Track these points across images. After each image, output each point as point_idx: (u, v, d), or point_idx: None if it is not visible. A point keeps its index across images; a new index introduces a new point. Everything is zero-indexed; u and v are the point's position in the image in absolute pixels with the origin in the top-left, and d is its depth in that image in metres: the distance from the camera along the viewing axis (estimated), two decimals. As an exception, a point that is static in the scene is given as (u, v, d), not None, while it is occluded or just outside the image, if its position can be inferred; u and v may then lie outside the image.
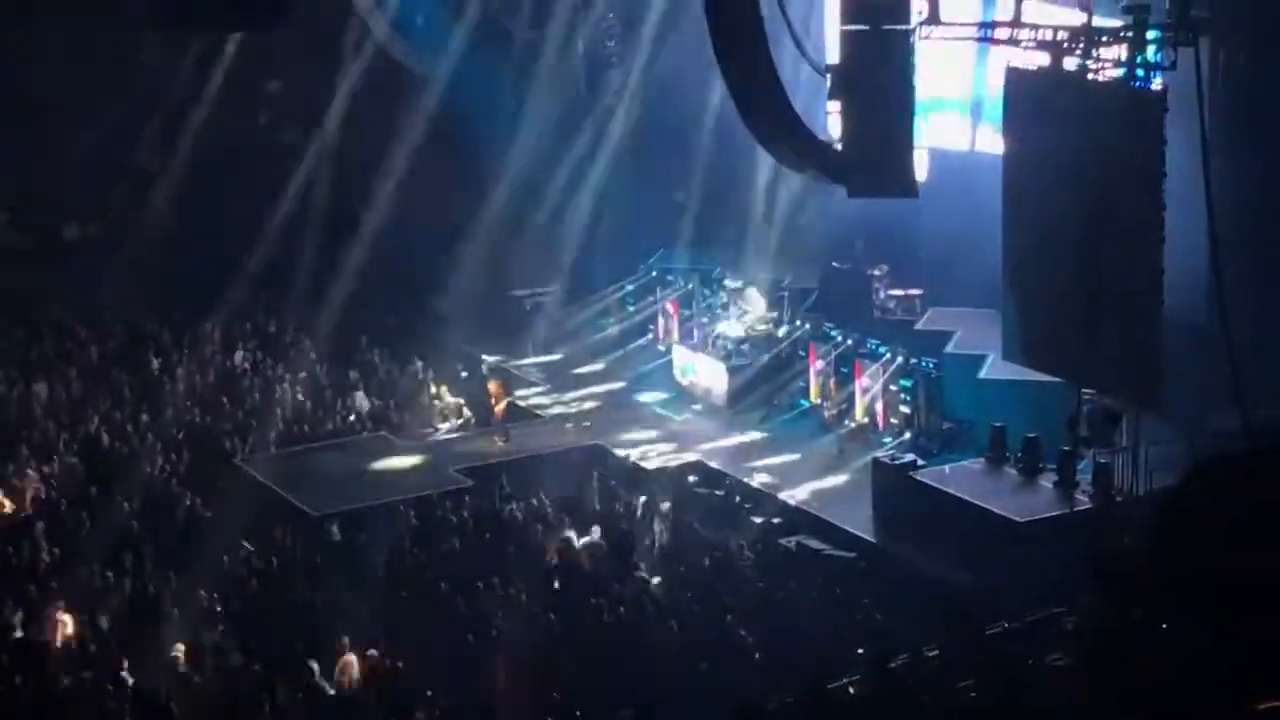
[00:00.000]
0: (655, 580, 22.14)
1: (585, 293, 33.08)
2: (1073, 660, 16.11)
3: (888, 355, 27.18)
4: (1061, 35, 21.83)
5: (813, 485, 25.66)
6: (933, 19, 22.42)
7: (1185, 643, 5.51)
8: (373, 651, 19.51)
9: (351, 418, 28.91)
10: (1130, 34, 21.21)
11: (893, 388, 27.08)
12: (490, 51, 33.34)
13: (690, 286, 31.64)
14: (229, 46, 32.49)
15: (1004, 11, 22.89)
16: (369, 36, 33.33)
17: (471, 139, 33.23)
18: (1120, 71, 21.48)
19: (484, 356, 31.39)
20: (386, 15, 33.30)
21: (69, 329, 31.43)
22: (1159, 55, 21.10)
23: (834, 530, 23.96)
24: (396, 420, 28.96)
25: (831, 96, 22.21)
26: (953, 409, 26.04)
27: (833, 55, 22.93)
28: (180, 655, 19.52)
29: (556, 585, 21.86)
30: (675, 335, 31.69)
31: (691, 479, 26.27)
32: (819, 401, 28.59)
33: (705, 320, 31.12)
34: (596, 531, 23.31)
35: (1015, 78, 22.74)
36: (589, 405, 30.17)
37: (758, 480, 26.04)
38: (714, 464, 26.76)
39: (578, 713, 18.54)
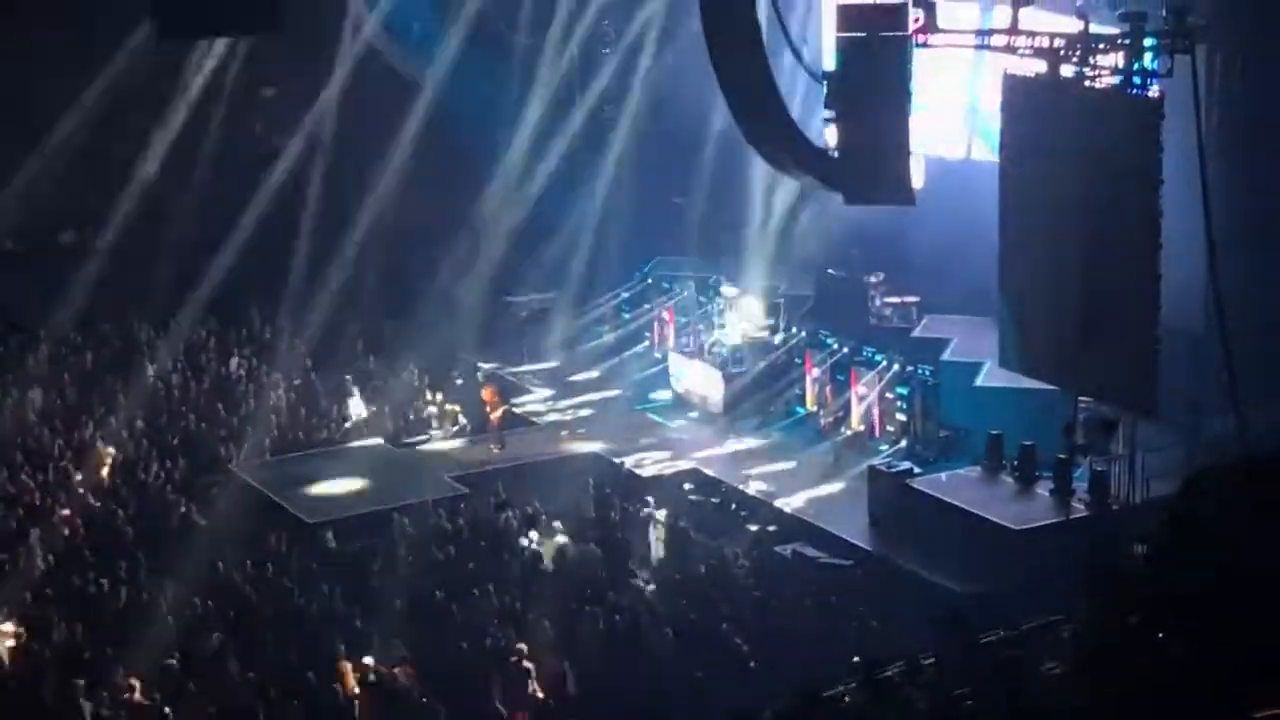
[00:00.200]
0: (650, 588, 22.09)
1: (581, 300, 33.05)
2: (1069, 667, 16.07)
3: (884, 363, 27.18)
4: (1058, 42, 21.82)
5: (809, 493, 25.63)
6: (929, 26, 22.41)
7: (1184, 650, 5.48)
8: (368, 660, 19.45)
9: (346, 424, 28.87)
10: (1127, 41, 21.22)
11: (889, 395, 27.08)
12: (486, 58, 33.34)
13: (686, 294, 31.65)
14: (223, 52, 32.49)
15: (1001, 19, 22.88)
16: (364, 43, 33.31)
17: (467, 145, 33.23)
18: (1117, 79, 21.48)
19: (479, 363, 31.37)
20: (381, 21, 33.28)
21: (64, 335, 31.36)
22: (1155, 63, 21.11)
23: (830, 538, 23.93)
24: (391, 427, 28.93)
25: (828, 104, 22.19)
26: (949, 416, 26.03)
27: (829, 62, 22.95)
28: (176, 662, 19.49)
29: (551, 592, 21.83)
30: (671, 342, 31.67)
31: (687, 486, 26.24)
32: (815, 409, 28.59)
33: (701, 327, 31.10)
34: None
35: (1012, 85, 22.73)
36: (585, 412, 30.15)
37: (754, 488, 26.02)
38: (710, 471, 26.74)
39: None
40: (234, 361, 30.80)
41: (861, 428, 27.49)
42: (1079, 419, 23.12)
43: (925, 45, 22.41)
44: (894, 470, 24.42)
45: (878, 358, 27.34)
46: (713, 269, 31.62)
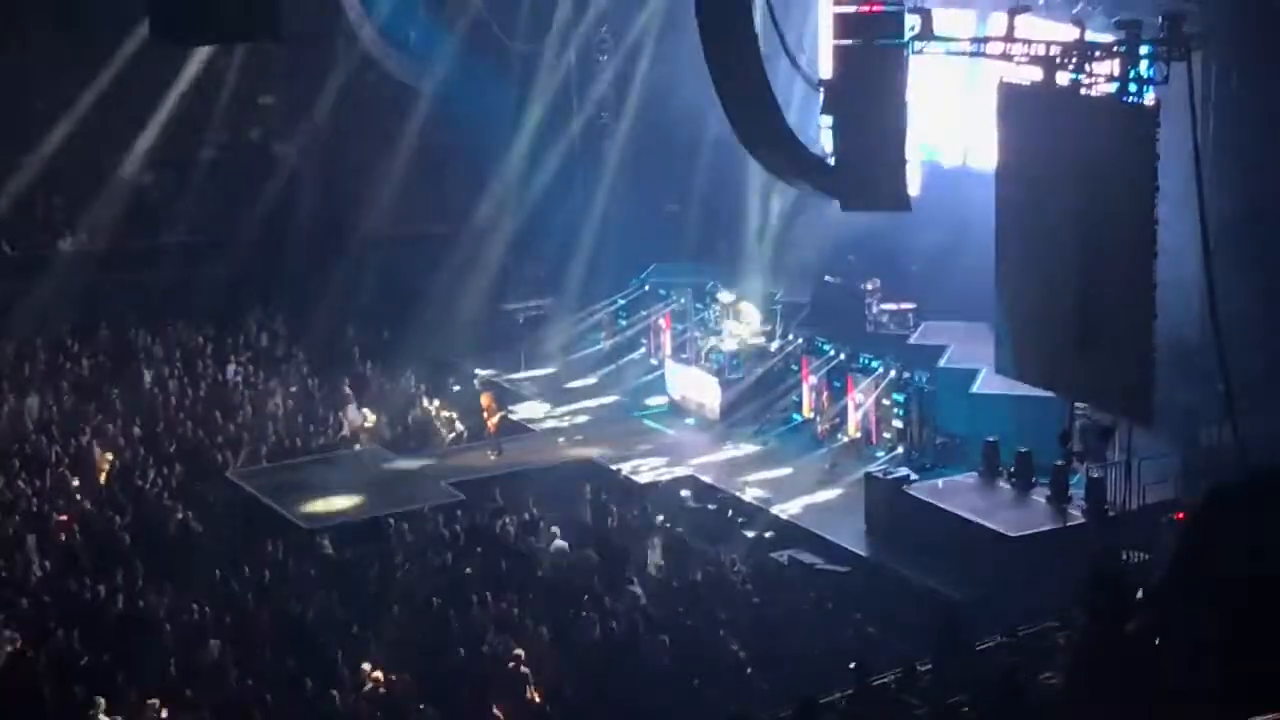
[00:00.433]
0: (647, 594, 22.08)
1: (579, 306, 33.06)
2: (1066, 674, 16.08)
3: (880, 369, 27.18)
4: (1054, 50, 21.82)
5: (805, 499, 25.64)
6: (925, 34, 22.44)
7: (1187, 656, 5.49)
8: (365, 666, 19.45)
9: (343, 431, 28.87)
10: (1123, 49, 21.22)
11: (885, 402, 27.09)
12: (483, 65, 33.35)
13: (683, 301, 31.63)
14: (222, 59, 32.54)
15: (997, 26, 22.91)
16: (360, 50, 33.34)
17: (464, 152, 33.25)
18: (1113, 86, 21.48)
19: (477, 370, 31.38)
20: (378, 29, 33.30)
21: (60, 342, 31.35)
22: (1151, 70, 21.10)
23: (827, 545, 23.94)
24: (389, 434, 28.93)
25: (824, 111, 22.23)
26: (946, 423, 26.03)
27: (826, 70, 22.98)
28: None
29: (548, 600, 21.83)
30: (668, 349, 31.68)
31: (684, 493, 26.25)
32: (812, 416, 28.59)
33: (698, 334, 31.11)
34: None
35: (1008, 92, 22.75)
36: (582, 419, 30.16)
37: (750, 494, 26.03)
38: (706, 478, 26.74)
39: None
40: (231, 368, 30.79)
41: (858, 434, 27.49)
42: (1075, 426, 23.14)
43: (921, 53, 22.45)
44: (891, 477, 24.43)
45: (874, 364, 27.35)
46: (710, 276, 31.61)
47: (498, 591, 21.52)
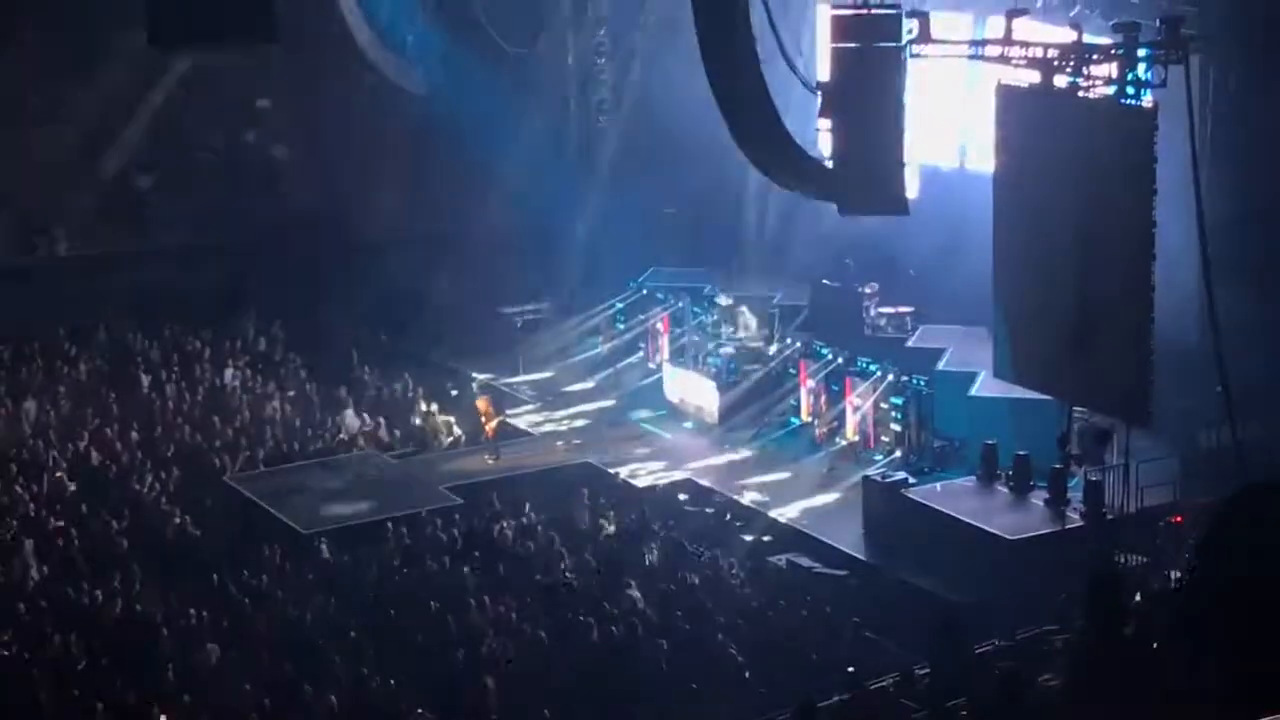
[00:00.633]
0: (645, 598, 22.05)
1: (576, 310, 33.05)
2: (1064, 676, 16.08)
3: (878, 373, 27.15)
4: (1052, 53, 21.83)
5: (803, 503, 25.62)
6: (923, 37, 22.44)
7: (1190, 660, 5.46)
8: (364, 669, 19.42)
9: (341, 435, 28.85)
10: (1121, 52, 21.23)
11: (883, 405, 27.06)
12: (481, 68, 33.35)
13: (681, 304, 31.61)
14: (219, 63, 32.51)
15: (995, 29, 22.90)
16: (359, 54, 33.34)
17: (461, 156, 33.23)
18: (1111, 89, 21.48)
19: (474, 374, 31.36)
20: (376, 33, 33.30)
21: (58, 347, 31.33)
22: (1149, 73, 21.10)
23: (824, 548, 23.92)
24: (386, 438, 28.90)
25: (822, 114, 22.22)
26: (944, 426, 26.00)
27: (824, 73, 22.97)
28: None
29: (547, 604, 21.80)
30: (666, 353, 31.66)
31: (682, 497, 26.24)
32: (810, 419, 28.55)
33: (696, 338, 31.08)
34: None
35: (1006, 95, 22.75)
36: (579, 423, 30.14)
37: (748, 498, 26.00)
38: (704, 482, 26.72)
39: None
40: (229, 372, 30.77)
41: (856, 438, 27.46)
42: (1074, 429, 23.12)
43: (919, 56, 22.45)
44: (889, 480, 24.42)
45: (872, 368, 27.32)
46: (707, 279, 31.60)
47: (495, 595, 21.50)
